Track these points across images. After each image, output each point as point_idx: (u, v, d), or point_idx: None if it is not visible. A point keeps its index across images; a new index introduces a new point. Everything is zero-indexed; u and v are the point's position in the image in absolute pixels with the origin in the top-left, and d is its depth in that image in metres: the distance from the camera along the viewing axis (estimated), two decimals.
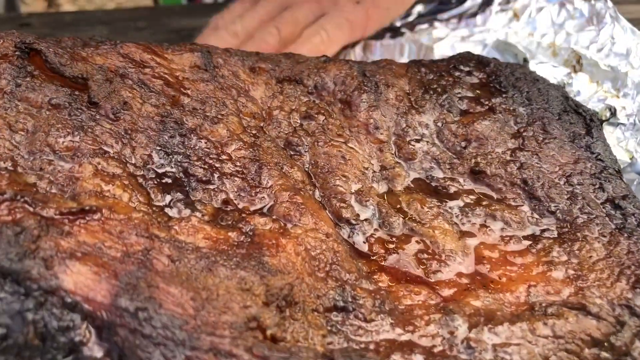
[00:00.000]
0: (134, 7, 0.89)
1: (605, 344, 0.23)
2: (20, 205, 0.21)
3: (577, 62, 0.48)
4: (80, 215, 0.22)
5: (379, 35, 0.56)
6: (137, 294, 0.19)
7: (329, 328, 0.22)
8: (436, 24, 0.56)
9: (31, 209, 0.21)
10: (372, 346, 0.22)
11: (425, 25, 0.56)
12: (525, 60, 0.49)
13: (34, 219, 0.21)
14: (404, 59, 0.54)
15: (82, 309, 0.19)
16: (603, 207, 0.29)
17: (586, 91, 0.45)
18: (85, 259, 0.20)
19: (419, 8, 0.58)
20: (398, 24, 0.58)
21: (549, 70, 0.48)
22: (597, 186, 0.30)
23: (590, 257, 0.27)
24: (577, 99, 0.45)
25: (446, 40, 0.53)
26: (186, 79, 0.30)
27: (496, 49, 0.52)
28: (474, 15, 0.56)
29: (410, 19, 0.57)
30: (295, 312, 0.22)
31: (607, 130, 0.45)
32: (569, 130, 0.33)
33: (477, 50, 0.51)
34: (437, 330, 0.23)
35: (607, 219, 0.28)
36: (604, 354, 0.23)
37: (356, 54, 0.55)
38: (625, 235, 0.27)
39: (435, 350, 0.22)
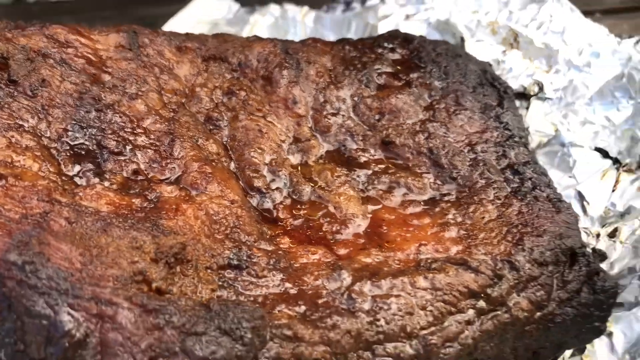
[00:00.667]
0: None
1: (482, 295, 0.25)
2: None
3: (514, 40, 0.50)
4: None
5: (332, 8, 0.58)
6: (27, 250, 0.21)
7: (219, 283, 0.24)
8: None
9: None
10: (260, 299, 0.24)
11: (376, 1, 0.57)
12: (462, 40, 0.51)
13: None
14: (351, 35, 0.55)
15: None
16: (503, 173, 0.31)
17: (518, 67, 0.48)
18: None
19: None
20: None
21: (486, 48, 0.50)
22: (500, 153, 0.32)
23: (483, 218, 0.28)
24: (509, 75, 0.47)
25: (391, 18, 0.54)
26: (109, 58, 0.32)
27: (436, 29, 0.53)
28: None
29: None
30: (186, 269, 0.24)
31: (535, 104, 0.47)
32: (481, 102, 0.35)
33: (420, 29, 0.53)
34: (324, 284, 0.25)
35: (504, 183, 0.30)
36: (480, 304, 0.25)
37: (306, 26, 0.56)
38: (519, 197, 0.29)
39: (320, 301, 0.24)
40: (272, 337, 0.22)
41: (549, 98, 0.44)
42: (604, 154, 0.41)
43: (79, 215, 0.24)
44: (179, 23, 0.58)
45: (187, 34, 0.38)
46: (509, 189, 0.30)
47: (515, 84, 0.44)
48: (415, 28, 0.51)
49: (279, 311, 0.24)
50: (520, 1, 0.55)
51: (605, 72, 0.45)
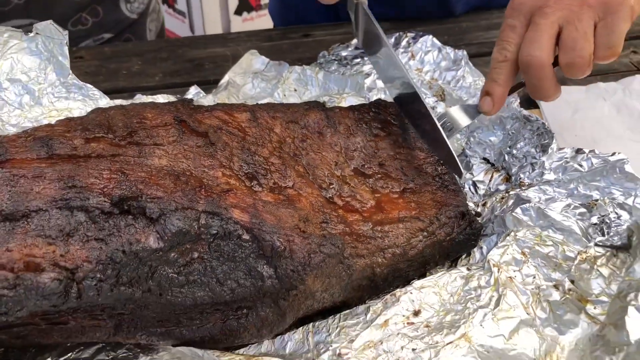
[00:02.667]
0: (155, 41, 1.23)
1: (426, 230, 0.63)
2: (205, 189, 0.59)
3: (442, 93, 0.87)
4: (226, 192, 0.59)
5: (331, 67, 0.92)
6: (257, 220, 0.57)
7: (322, 230, 0.61)
8: (366, 58, 0.92)
9: (210, 190, 0.59)
10: (340, 232, 0.61)
11: (358, 59, 0.93)
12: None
13: (213, 195, 0.58)
14: (348, 89, 0.91)
15: None
16: (434, 177, 0.69)
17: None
18: (236, 207, 0.58)
19: (354, 41, 0.95)
20: (344, 53, 0.95)
21: (427, 100, 0.86)
22: (434, 167, 0.70)
23: (426, 198, 0.66)
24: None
25: (371, 76, 0.89)
26: (247, 127, 0.68)
27: None
28: None
29: (349, 53, 0.94)
30: (309, 224, 0.60)
31: (454, 137, 0.84)
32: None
33: None
34: (361, 227, 0.62)
35: (435, 182, 0.68)
36: (424, 233, 0.63)
37: (319, 80, 0.89)
38: (442, 189, 0.67)
39: (360, 234, 0.61)
40: (347, 246, 0.59)
41: (461, 132, 0.82)
42: (487, 161, 0.77)
43: (264, 203, 0.60)
44: (234, 73, 0.92)
45: (273, 107, 0.73)
46: (437, 185, 0.68)
47: None
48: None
49: (347, 237, 0.61)
50: (446, 64, 0.92)
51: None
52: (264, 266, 0.56)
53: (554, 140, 0.70)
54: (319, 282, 0.57)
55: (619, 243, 0.59)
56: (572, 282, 0.58)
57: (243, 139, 0.66)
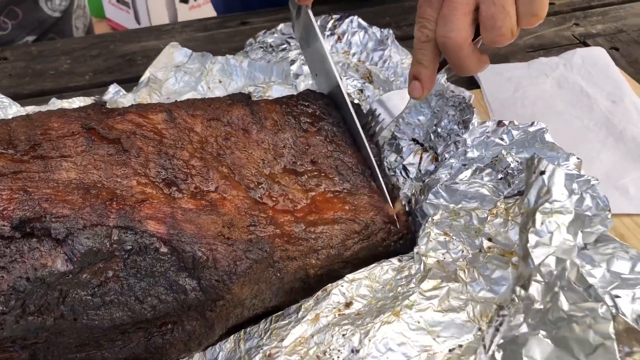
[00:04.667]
0: (85, 37, 1.20)
1: (360, 232, 0.62)
2: (117, 201, 0.56)
3: (369, 75, 0.86)
4: (141, 203, 0.57)
5: (257, 54, 0.90)
6: (175, 229, 0.55)
7: (249, 234, 0.59)
8: (292, 43, 0.91)
9: (122, 202, 0.56)
10: (268, 235, 0.60)
11: (284, 45, 0.91)
12: (341, 78, 0.85)
13: (125, 207, 0.56)
14: (274, 77, 0.89)
15: None
16: (366, 178, 0.68)
17: (372, 95, 0.82)
18: (152, 219, 0.56)
19: (281, 26, 0.93)
20: (269, 39, 0.92)
21: (355, 82, 0.85)
22: (366, 167, 0.69)
23: (361, 200, 0.65)
24: (368, 100, 0.83)
25: (297, 63, 0.86)
26: (163, 128, 0.66)
27: None
28: None
29: (275, 39, 0.92)
30: (234, 229, 0.59)
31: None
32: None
33: None
34: (292, 229, 0.61)
35: (368, 183, 0.67)
36: (359, 236, 0.62)
37: (244, 69, 0.87)
38: (371, 190, 0.67)
39: (292, 236, 0.60)
40: (276, 249, 0.58)
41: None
42: (415, 141, 0.76)
43: (184, 211, 0.58)
44: (155, 68, 0.89)
45: (193, 104, 0.71)
46: (373, 187, 0.67)
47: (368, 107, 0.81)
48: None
49: (277, 240, 0.60)
50: (373, 44, 0.91)
51: None
52: (186, 279, 0.54)
53: (475, 115, 0.70)
54: (247, 289, 0.56)
55: (524, 187, 0.60)
56: (490, 239, 0.58)
57: (160, 142, 0.64)
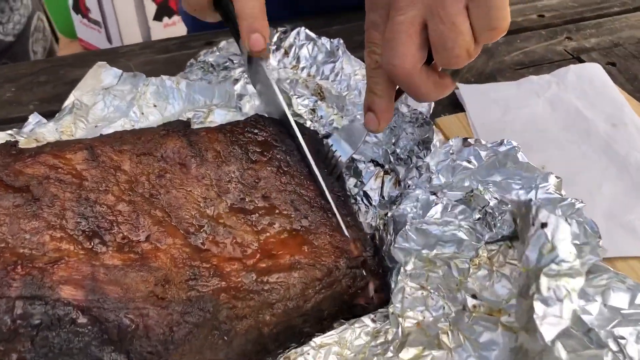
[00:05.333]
0: (33, 62, 1.09)
1: (322, 279, 0.54)
2: (23, 265, 0.47)
3: (320, 91, 0.78)
4: (55, 263, 0.48)
5: (196, 75, 0.81)
6: (95, 292, 0.46)
7: (189, 289, 0.50)
8: (235, 60, 0.82)
9: (30, 265, 0.47)
10: (212, 291, 0.51)
11: (227, 63, 0.82)
12: (290, 97, 0.75)
13: (34, 271, 0.46)
14: (216, 100, 0.80)
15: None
16: (327, 216, 0.59)
17: (326, 115, 0.74)
18: (67, 282, 0.46)
19: (223, 43, 0.84)
20: (210, 58, 0.83)
21: (305, 100, 0.77)
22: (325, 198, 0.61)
23: (322, 241, 0.56)
24: (321, 122, 0.75)
25: (240, 82, 0.77)
26: (83, 170, 0.56)
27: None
28: None
29: (216, 58, 0.83)
30: (170, 285, 0.50)
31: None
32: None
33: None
34: (242, 280, 0.52)
35: (327, 220, 0.59)
36: (322, 284, 0.53)
37: (182, 91, 0.77)
38: (332, 230, 0.58)
39: (241, 288, 0.51)
40: (222, 307, 0.49)
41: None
42: (375, 162, 0.67)
43: (108, 269, 0.49)
44: (80, 92, 0.79)
45: (121, 137, 0.62)
46: (334, 224, 0.59)
47: (323, 131, 0.72)
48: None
49: (222, 295, 0.51)
50: (323, 57, 0.82)
51: None
52: (112, 354, 0.45)
53: (435, 134, 0.63)
54: (187, 359, 0.47)
55: (509, 231, 0.52)
56: (474, 296, 0.51)
57: (79, 187, 0.54)
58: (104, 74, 0.79)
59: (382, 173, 0.68)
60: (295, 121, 0.66)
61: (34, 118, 0.74)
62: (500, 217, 0.52)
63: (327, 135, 0.71)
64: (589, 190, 0.66)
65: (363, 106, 0.60)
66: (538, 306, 0.40)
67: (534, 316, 0.40)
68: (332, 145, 0.66)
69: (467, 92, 0.82)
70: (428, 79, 0.52)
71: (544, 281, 0.40)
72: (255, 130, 0.65)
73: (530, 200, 0.46)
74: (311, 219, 0.59)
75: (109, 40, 2.83)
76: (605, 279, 0.48)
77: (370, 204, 0.66)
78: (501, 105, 0.80)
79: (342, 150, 0.65)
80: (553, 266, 0.41)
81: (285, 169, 0.62)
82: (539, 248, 0.43)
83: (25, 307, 0.44)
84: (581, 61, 0.92)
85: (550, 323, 0.40)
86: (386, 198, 0.66)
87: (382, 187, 0.67)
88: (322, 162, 0.66)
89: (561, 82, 0.84)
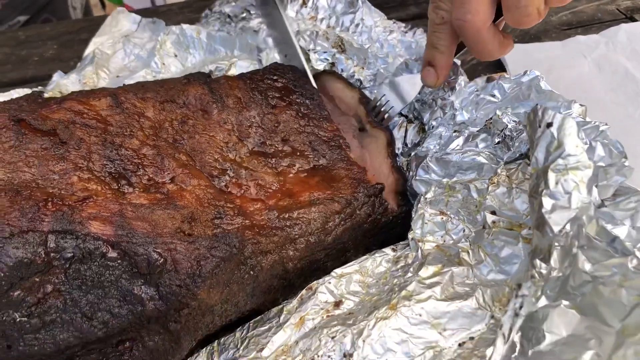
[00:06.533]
0: (74, 21, 1.11)
1: (342, 212, 0.54)
2: (53, 202, 0.48)
3: (341, 43, 0.77)
4: (83, 201, 0.49)
5: (216, 26, 0.81)
6: (124, 228, 0.47)
7: (214, 227, 0.51)
8: (252, 11, 0.81)
9: (60, 202, 0.48)
10: (238, 227, 0.51)
11: (244, 14, 0.81)
12: (308, 52, 0.75)
13: (64, 208, 0.48)
14: (237, 51, 0.79)
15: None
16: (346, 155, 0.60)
17: (346, 68, 0.72)
18: (96, 219, 0.47)
19: None
20: (227, 9, 0.83)
21: (323, 56, 0.74)
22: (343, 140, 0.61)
23: (340, 176, 0.57)
24: (343, 73, 0.75)
25: (260, 33, 0.76)
26: (108, 115, 0.57)
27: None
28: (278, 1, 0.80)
29: (233, 8, 0.82)
30: (197, 223, 0.51)
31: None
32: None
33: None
34: (265, 217, 0.53)
35: (347, 158, 0.59)
36: (341, 216, 0.54)
37: (202, 41, 0.77)
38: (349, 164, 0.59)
39: (265, 225, 0.52)
40: (247, 243, 0.50)
41: (367, 87, 0.73)
42: (399, 114, 0.67)
43: (135, 207, 0.50)
44: (100, 41, 0.79)
45: (143, 86, 0.62)
46: (347, 159, 0.59)
47: None
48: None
49: (247, 232, 0.52)
50: (342, 7, 0.81)
51: (397, 60, 0.72)
52: (142, 286, 0.46)
53: (461, 74, 0.62)
54: (215, 293, 0.48)
55: (527, 149, 0.51)
56: (493, 212, 0.50)
57: (104, 131, 0.55)
58: (124, 20, 0.79)
59: (405, 123, 0.68)
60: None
61: (57, 77, 0.75)
62: (517, 137, 0.52)
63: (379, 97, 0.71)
64: (635, 154, 0.63)
65: (423, 60, 0.60)
66: (546, 201, 0.40)
67: (542, 211, 0.40)
68: (384, 95, 0.66)
69: (510, 52, 0.80)
70: (495, 37, 0.52)
71: (551, 177, 0.40)
72: (275, 77, 0.65)
73: (537, 104, 0.45)
74: (328, 157, 0.59)
75: (153, 2, 2.83)
76: (633, 202, 0.47)
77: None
78: (545, 66, 0.77)
79: (395, 102, 0.65)
80: (560, 161, 0.40)
81: (304, 112, 0.63)
82: (545, 147, 0.42)
83: (57, 241, 0.45)
84: (634, 21, 0.85)
85: (558, 215, 0.39)
86: (410, 145, 0.66)
87: (405, 136, 0.67)
88: (372, 113, 0.66)
89: (610, 41, 0.79)
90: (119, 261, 0.46)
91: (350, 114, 0.67)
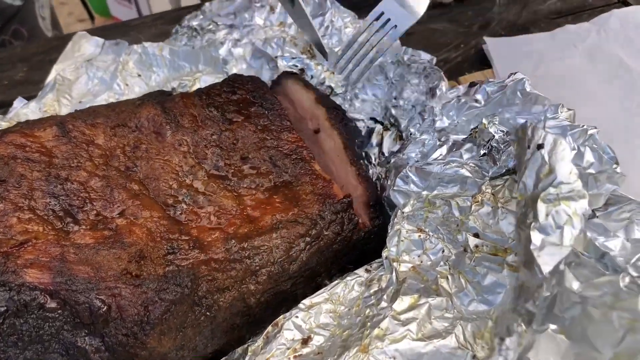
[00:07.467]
0: (46, 39, 1.07)
1: (307, 234, 0.50)
2: None
3: (310, 49, 0.73)
4: (21, 246, 0.45)
5: (181, 41, 0.77)
6: (64, 274, 0.44)
7: (167, 263, 0.48)
8: (219, 22, 0.76)
9: None
10: (191, 264, 0.48)
11: (210, 26, 0.77)
12: (275, 58, 0.70)
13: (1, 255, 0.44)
14: (202, 65, 0.75)
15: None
16: (311, 167, 0.56)
17: (316, 74, 0.68)
18: (32, 266, 0.44)
19: (207, 5, 0.79)
20: (194, 22, 0.79)
21: (291, 62, 0.69)
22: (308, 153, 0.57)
23: (304, 192, 0.53)
24: (312, 82, 0.70)
25: (225, 45, 0.72)
26: (53, 147, 0.53)
27: (259, 50, 0.72)
28: (245, 9, 0.74)
29: (200, 22, 0.77)
30: (146, 261, 0.47)
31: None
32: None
33: (247, 50, 0.74)
34: (221, 248, 0.49)
35: (312, 173, 0.55)
36: (306, 239, 0.50)
37: (165, 58, 0.73)
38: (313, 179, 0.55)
39: (222, 258, 0.48)
40: (201, 281, 0.47)
41: (339, 94, 0.69)
42: (375, 120, 0.63)
43: (79, 249, 0.46)
44: (62, 67, 0.75)
45: (94, 111, 0.59)
46: (311, 172, 0.55)
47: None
48: (244, 50, 0.73)
49: (202, 268, 0.48)
50: (311, 10, 0.75)
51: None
52: (86, 338, 0.42)
53: (443, 79, 0.58)
54: (168, 340, 0.45)
55: (515, 164, 0.46)
56: (476, 235, 0.45)
57: (49, 164, 0.52)
58: (86, 44, 0.76)
59: (381, 130, 0.64)
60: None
61: (18, 102, 0.72)
62: (505, 149, 0.47)
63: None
64: (632, 149, 0.59)
65: None
66: (535, 236, 0.35)
67: (531, 247, 0.35)
68: (388, 20, 0.61)
69: (495, 47, 0.73)
70: None
71: (541, 208, 0.36)
72: (233, 90, 0.61)
73: (526, 122, 0.41)
74: (291, 172, 0.55)
75: (139, 13, 2.81)
76: (627, 212, 0.42)
77: (370, 162, 0.62)
78: (533, 59, 0.71)
79: (399, 22, 0.60)
80: (551, 190, 0.36)
81: (264, 124, 0.58)
82: (535, 172, 0.38)
83: None
84: (627, 5, 0.79)
85: (548, 253, 0.34)
86: (387, 154, 0.62)
87: (381, 144, 0.63)
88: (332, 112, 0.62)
89: (602, 29, 0.73)
90: (59, 311, 0.43)
91: (307, 116, 0.63)
